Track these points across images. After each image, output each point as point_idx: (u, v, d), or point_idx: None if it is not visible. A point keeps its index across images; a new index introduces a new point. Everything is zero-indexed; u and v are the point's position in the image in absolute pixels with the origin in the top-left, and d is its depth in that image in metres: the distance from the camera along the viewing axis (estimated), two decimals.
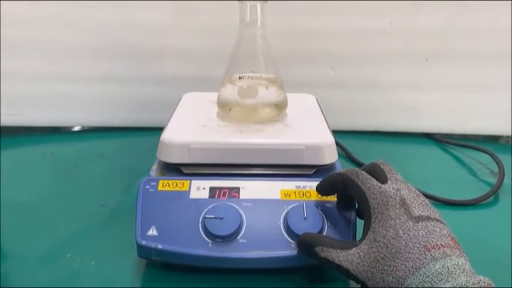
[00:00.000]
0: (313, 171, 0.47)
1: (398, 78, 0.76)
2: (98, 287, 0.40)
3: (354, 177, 0.38)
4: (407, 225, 0.34)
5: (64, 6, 0.71)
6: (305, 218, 0.40)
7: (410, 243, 0.33)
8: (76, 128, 0.82)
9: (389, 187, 0.37)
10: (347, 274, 0.35)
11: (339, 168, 0.49)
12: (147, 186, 0.42)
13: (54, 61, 0.74)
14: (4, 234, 0.46)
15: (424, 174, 0.64)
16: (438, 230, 0.34)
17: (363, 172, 0.38)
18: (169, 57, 0.75)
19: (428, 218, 0.34)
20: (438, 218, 0.35)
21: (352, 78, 0.76)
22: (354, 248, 0.35)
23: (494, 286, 0.30)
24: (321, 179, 0.42)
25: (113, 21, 0.72)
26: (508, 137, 0.81)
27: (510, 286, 0.41)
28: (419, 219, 0.34)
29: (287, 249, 0.39)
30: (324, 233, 0.40)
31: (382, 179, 0.38)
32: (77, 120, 0.80)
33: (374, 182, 0.37)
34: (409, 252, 0.32)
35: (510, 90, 0.75)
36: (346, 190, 0.39)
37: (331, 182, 0.41)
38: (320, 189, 0.42)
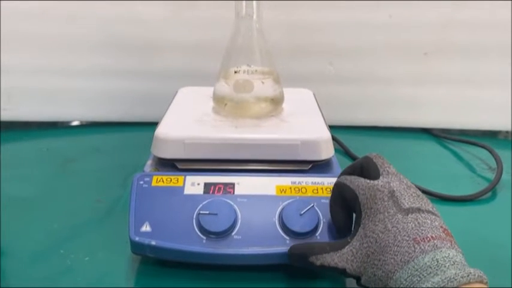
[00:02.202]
0: (309, 166, 0.46)
1: (396, 73, 0.76)
2: (91, 283, 0.40)
3: (342, 180, 0.39)
4: (396, 218, 0.34)
5: (61, 0, 0.70)
6: (300, 214, 0.40)
7: (399, 237, 0.32)
8: (73, 123, 0.81)
9: (378, 181, 0.37)
10: (344, 273, 0.35)
11: (336, 164, 0.49)
12: (141, 182, 0.42)
13: (51, 55, 0.74)
14: None
15: (422, 169, 0.64)
16: (429, 221, 0.33)
17: (348, 176, 0.39)
18: (167, 51, 0.74)
19: (419, 210, 0.34)
20: (430, 209, 0.35)
21: (350, 72, 0.76)
22: (347, 247, 0.35)
23: (485, 278, 0.30)
24: (316, 175, 0.42)
25: (110, 16, 0.72)
26: (507, 132, 0.80)
27: (510, 281, 0.41)
28: (409, 211, 0.34)
29: (282, 246, 0.39)
30: (319, 230, 0.40)
31: (374, 174, 0.38)
32: (73, 115, 0.79)
33: (362, 180, 0.37)
34: (398, 246, 0.32)
35: (510, 84, 0.74)
36: (341, 195, 0.39)
37: (333, 200, 0.40)
38: (335, 218, 0.40)
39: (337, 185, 0.39)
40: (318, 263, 0.36)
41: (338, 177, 0.40)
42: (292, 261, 0.38)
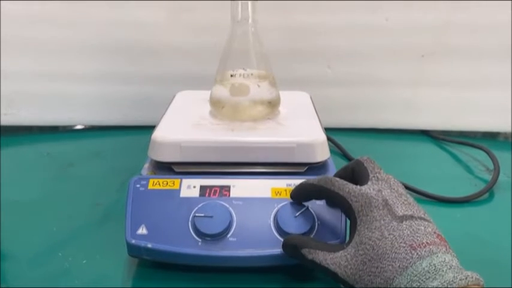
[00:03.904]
0: (305, 169, 0.47)
1: (394, 75, 0.76)
2: (88, 285, 0.40)
3: (329, 186, 0.38)
4: (391, 226, 0.34)
5: (60, 5, 0.71)
6: (295, 217, 0.40)
7: (396, 244, 0.33)
8: (73, 127, 0.82)
9: (369, 188, 0.37)
10: (335, 277, 0.35)
11: (331, 166, 0.49)
12: (138, 185, 0.42)
13: (51, 60, 0.74)
14: None
15: (420, 171, 0.64)
16: (423, 228, 0.33)
17: (337, 179, 0.38)
18: (165, 55, 0.75)
19: (412, 217, 0.34)
20: (422, 216, 0.35)
21: (348, 75, 0.76)
22: (341, 251, 0.35)
23: (482, 280, 0.30)
24: (312, 177, 0.42)
25: (109, 20, 0.73)
26: (506, 133, 0.80)
27: (510, 282, 0.41)
28: (403, 218, 0.34)
29: (277, 248, 0.39)
30: (314, 232, 0.40)
31: (364, 179, 0.38)
32: (74, 119, 0.80)
33: (351, 186, 0.37)
34: (396, 253, 0.32)
35: (509, 86, 0.74)
36: (323, 199, 0.39)
37: (305, 191, 0.40)
38: (294, 197, 0.41)
39: (321, 191, 0.38)
40: (310, 257, 0.36)
41: (320, 180, 0.39)
42: (286, 251, 0.38)
